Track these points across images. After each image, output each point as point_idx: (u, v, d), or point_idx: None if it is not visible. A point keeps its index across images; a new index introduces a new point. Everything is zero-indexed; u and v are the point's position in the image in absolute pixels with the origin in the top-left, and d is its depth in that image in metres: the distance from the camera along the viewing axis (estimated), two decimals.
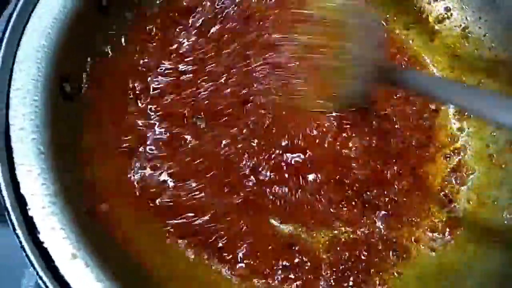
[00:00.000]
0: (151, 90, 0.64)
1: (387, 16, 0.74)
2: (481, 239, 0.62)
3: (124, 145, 0.60)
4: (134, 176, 0.60)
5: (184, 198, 0.59)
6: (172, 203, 0.59)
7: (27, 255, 0.41)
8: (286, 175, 0.62)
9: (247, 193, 0.61)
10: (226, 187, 0.61)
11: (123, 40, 0.64)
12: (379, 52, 0.58)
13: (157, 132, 0.62)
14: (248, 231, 0.59)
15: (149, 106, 0.63)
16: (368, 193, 0.62)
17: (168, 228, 0.58)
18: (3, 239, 0.67)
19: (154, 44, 0.66)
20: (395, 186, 0.63)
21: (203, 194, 0.60)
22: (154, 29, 0.67)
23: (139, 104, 0.63)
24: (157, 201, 0.59)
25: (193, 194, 0.60)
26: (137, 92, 0.63)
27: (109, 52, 0.62)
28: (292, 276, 0.58)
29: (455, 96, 0.46)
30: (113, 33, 0.63)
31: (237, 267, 0.58)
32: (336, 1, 0.58)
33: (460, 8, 0.72)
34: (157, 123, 0.62)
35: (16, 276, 0.66)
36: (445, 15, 0.73)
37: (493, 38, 0.68)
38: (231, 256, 0.58)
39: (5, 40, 0.51)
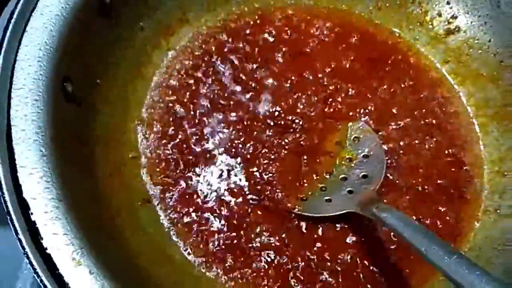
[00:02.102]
0: None
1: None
2: None
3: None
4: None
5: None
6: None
7: (30, 262, 0.40)
8: None
9: None
10: None
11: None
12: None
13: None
14: None
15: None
16: None
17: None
18: None
19: None
20: None
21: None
22: None
23: None
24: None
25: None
26: None
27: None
28: None
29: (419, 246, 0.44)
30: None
31: None
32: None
33: (466, 13, 0.71)
34: None
35: (10, 279, 0.64)
36: (451, 21, 0.72)
37: (498, 44, 0.68)
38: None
39: (6, 38, 0.49)
